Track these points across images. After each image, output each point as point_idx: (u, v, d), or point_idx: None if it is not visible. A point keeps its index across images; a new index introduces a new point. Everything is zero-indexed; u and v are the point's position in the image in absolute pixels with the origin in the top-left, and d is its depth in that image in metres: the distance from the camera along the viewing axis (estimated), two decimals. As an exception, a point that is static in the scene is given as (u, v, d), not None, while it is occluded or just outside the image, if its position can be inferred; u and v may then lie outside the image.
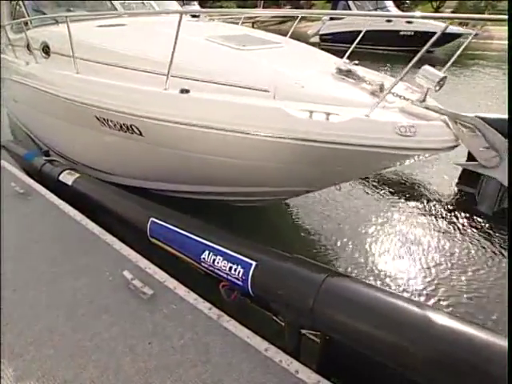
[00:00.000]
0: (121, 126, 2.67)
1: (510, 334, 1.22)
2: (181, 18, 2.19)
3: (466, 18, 2.08)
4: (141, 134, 2.59)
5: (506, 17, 1.49)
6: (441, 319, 1.35)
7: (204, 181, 2.87)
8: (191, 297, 1.85)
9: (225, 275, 1.81)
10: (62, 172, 3.00)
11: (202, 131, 2.22)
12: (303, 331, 1.65)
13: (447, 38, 14.97)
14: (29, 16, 4.17)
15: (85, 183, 2.85)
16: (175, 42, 2.19)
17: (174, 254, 2.12)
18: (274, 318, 1.74)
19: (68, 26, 2.76)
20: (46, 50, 3.57)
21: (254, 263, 1.72)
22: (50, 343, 1.64)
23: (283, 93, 2.19)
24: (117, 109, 2.56)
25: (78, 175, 2.92)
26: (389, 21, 13.38)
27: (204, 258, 1.90)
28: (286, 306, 1.64)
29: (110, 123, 2.73)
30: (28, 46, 3.84)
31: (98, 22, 3.63)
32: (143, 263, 2.11)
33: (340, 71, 2.40)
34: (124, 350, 1.60)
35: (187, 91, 2.29)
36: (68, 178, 2.91)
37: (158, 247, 2.24)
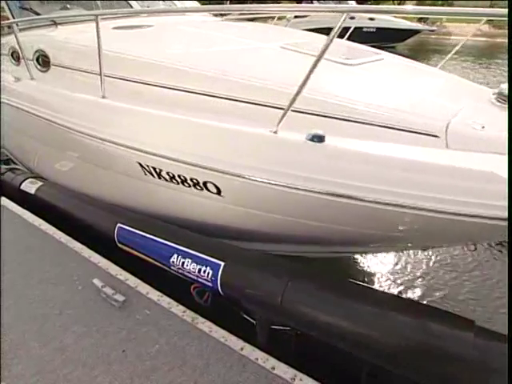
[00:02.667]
0: (184, 180, 1.92)
1: (510, 334, 1.23)
2: (345, 18, 1.40)
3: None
4: (219, 194, 1.86)
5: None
6: (407, 306, 1.41)
7: (311, 242, 2.09)
8: (164, 301, 1.83)
9: (195, 277, 1.80)
10: (23, 181, 2.86)
11: (351, 203, 1.47)
12: (274, 327, 1.66)
13: (408, 34, 15.53)
14: (14, 17, 3.12)
15: (48, 191, 2.73)
16: (318, 58, 1.42)
17: (143, 258, 2.07)
18: (246, 316, 1.74)
19: (98, 30, 1.93)
20: (42, 60, 2.70)
21: (222, 264, 1.72)
22: (17, 360, 1.56)
23: (457, 138, 1.49)
24: (183, 159, 1.79)
25: (40, 183, 2.80)
26: (352, 18, 13.70)
27: (173, 262, 1.87)
28: (255, 303, 1.65)
29: (163, 174, 1.98)
30: (13, 55, 2.97)
31: (110, 23, 2.72)
32: (114, 270, 2.06)
33: (504, 98, 1.67)
34: (97, 361, 1.55)
35: (320, 138, 1.50)
36: (30, 186, 2.78)
37: (126, 253, 2.18)
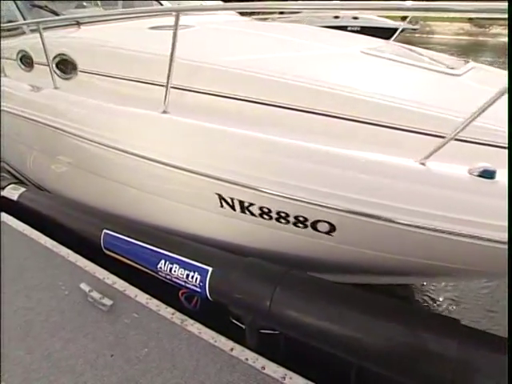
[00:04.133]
0: (283, 217, 1.64)
1: (510, 334, 1.19)
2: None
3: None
4: (328, 233, 1.60)
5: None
6: (393, 308, 1.41)
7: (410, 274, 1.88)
8: (153, 303, 1.81)
9: (183, 283, 1.78)
10: (5, 187, 2.78)
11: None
12: (264, 331, 1.66)
13: (392, 32, 15.69)
14: (23, 16, 2.71)
15: (32, 197, 2.67)
16: None
17: (130, 265, 2.04)
18: (235, 321, 1.73)
19: (176, 29, 1.61)
20: (65, 66, 2.33)
21: (210, 269, 1.71)
22: (3, 368, 1.53)
23: None
24: (295, 195, 1.47)
25: (23, 189, 2.73)
26: (336, 17, 13.80)
27: (161, 268, 1.85)
28: (244, 308, 1.64)
29: (253, 209, 1.69)
30: (22, 59, 2.62)
31: (138, 22, 2.45)
32: (101, 273, 2.03)
33: None
34: (85, 366, 1.53)
35: (491, 174, 1.23)
36: (13, 193, 2.71)
37: (113, 259, 2.15)
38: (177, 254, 1.83)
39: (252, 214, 1.73)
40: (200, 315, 1.80)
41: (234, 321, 1.73)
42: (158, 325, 1.70)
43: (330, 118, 1.56)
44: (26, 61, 2.62)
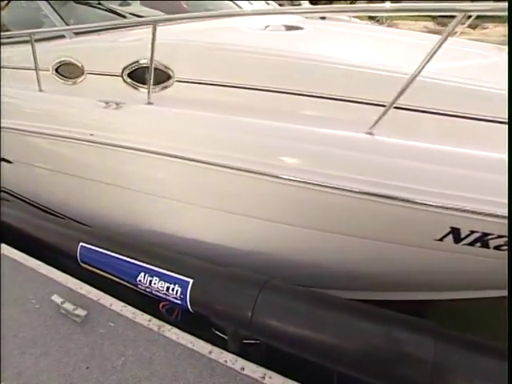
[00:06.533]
0: None
1: (510, 334, 1.20)
2: None
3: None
4: None
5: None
6: (372, 313, 1.42)
7: None
8: (129, 311, 1.77)
9: (163, 295, 1.73)
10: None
11: None
12: (246, 342, 1.64)
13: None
14: (61, 17, 2.31)
15: (4, 210, 2.55)
16: None
17: (108, 278, 1.97)
18: (217, 332, 1.71)
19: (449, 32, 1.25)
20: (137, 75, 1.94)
21: (190, 281, 1.66)
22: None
23: None
24: None
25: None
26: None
27: (140, 280, 1.79)
28: (226, 319, 1.61)
29: (490, 242, 1.42)
30: (59, 70, 2.21)
31: (221, 23, 2.14)
32: (74, 284, 1.97)
33: None
34: (58, 381, 1.47)
35: None
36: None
37: (91, 273, 2.07)
38: (157, 266, 1.78)
39: (486, 246, 1.44)
40: (181, 327, 1.77)
41: (216, 332, 1.71)
42: (134, 333, 1.66)
43: None
44: (68, 71, 2.20)
